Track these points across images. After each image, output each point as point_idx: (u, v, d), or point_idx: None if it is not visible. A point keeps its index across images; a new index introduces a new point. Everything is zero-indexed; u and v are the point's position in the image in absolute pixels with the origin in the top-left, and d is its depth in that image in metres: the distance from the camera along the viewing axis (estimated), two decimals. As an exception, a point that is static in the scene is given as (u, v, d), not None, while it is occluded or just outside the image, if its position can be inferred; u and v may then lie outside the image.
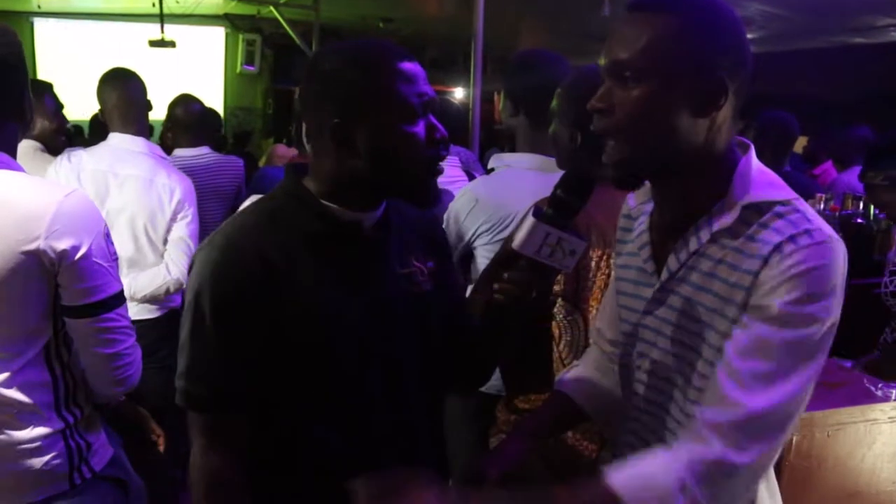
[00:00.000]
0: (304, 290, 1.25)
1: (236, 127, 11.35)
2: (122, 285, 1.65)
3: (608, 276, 1.77)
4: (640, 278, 1.33)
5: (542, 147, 2.17)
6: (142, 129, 2.89)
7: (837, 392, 2.11)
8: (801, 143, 6.52)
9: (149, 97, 2.95)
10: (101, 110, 2.87)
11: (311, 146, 1.31)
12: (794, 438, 1.95)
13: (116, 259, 1.64)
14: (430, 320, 1.40)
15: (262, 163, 5.26)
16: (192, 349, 1.24)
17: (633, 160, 1.18)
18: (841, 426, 2.01)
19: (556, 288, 1.81)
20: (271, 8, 9.06)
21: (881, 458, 2.15)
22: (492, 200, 2.19)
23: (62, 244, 1.48)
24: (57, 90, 3.20)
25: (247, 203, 1.72)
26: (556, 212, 1.23)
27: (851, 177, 4.57)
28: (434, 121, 1.27)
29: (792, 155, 4.42)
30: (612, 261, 1.81)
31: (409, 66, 1.25)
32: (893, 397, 2.23)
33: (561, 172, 1.95)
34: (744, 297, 1.12)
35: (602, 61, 1.18)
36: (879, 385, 2.28)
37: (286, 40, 10.00)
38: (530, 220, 1.21)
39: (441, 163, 1.29)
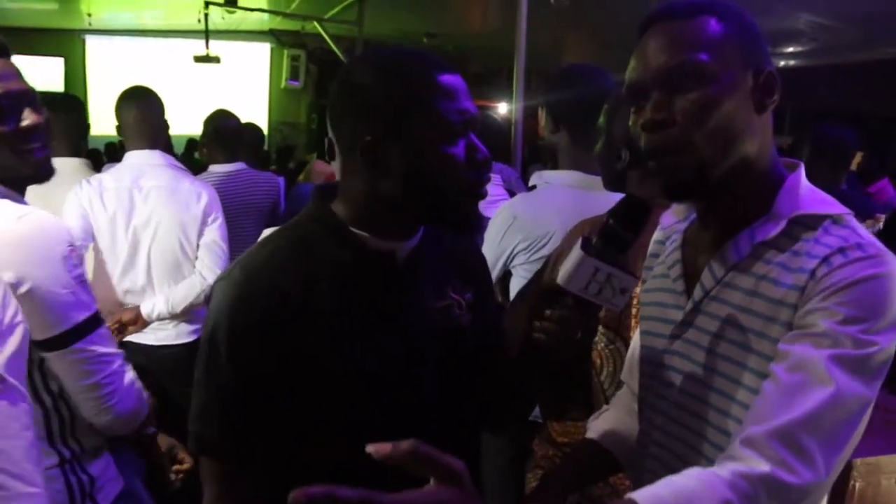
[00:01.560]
0: (328, 328, 1.14)
1: (280, 142, 11.45)
2: (93, 309, 1.52)
3: None
4: (668, 300, 1.21)
5: (584, 164, 2.09)
6: (158, 146, 2.84)
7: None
8: (854, 160, 6.33)
9: (166, 117, 2.92)
10: (117, 127, 2.84)
11: (340, 166, 1.20)
12: (858, 485, 1.80)
13: (84, 282, 1.51)
14: (466, 357, 1.28)
15: (301, 178, 5.24)
16: (206, 390, 1.14)
17: (704, 172, 1.06)
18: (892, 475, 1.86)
19: (600, 315, 1.71)
20: (315, 24, 9.11)
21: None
22: (529, 218, 2.10)
23: (6, 276, 1.35)
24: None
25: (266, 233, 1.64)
26: (605, 245, 1.10)
27: (910, 195, 4.39)
28: (475, 140, 1.15)
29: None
30: None
31: (450, 80, 1.13)
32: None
33: (604, 191, 1.89)
34: (789, 315, 1.00)
35: (640, 72, 1.08)
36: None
37: (330, 56, 10.06)
38: (577, 253, 1.09)
39: (485, 186, 1.17)
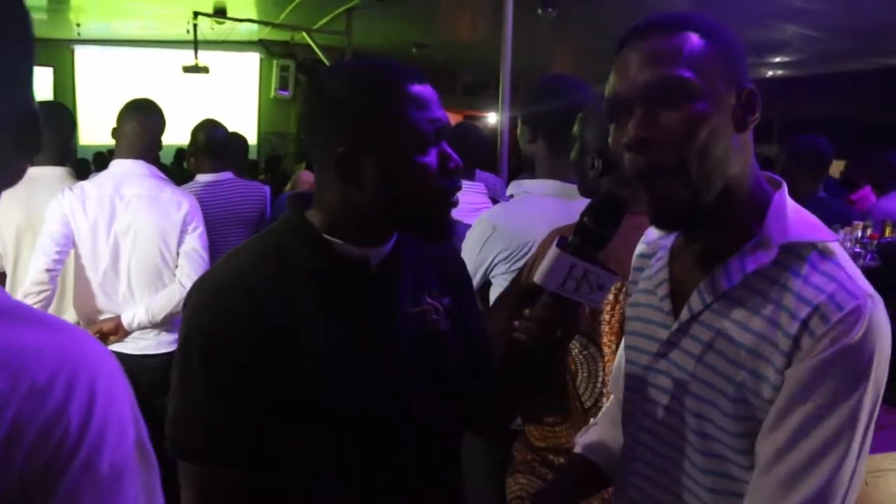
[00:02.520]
0: (304, 335, 1.15)
1: (269, 152, 11.46)
2: None
3: None
4: (655, 317, 1.21)
5: (563, 173, 2.10)
6: (145, 158, 2.87)
7: (877, 436, 1.99)
8: (838, 168, 6.38)
9: (163, 136, 2.96)
10: (114, 130, 2.87)
11: (315, 175, 1.22)
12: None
13: None
14: (446, 362, 1.29)
15: (287, 188, 5.25)
16: (181, 396, 1.15)
17: (696, 199, 1.05)
18: (881, 473, 1.89)
19: None
20: (305, 34, 9.14)
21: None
22: (509, 228, 2.12)
23: None
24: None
25: None
26: (582, 242, 1.11)
27: (890, 202, 4.42)
28: (447, 149, 1.17)
29: (829, 179, 4.29)
30: None
31: (421, 90, 1.14)
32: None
33: (582, 199, 1.91)
34: (782, 361, 1.02)
35: (621, 88, 1.07)
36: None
37: (319, 66, 10.06)
38: (553, 250, 1.10)
39: (456, 194, 1.19)
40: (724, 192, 1.06)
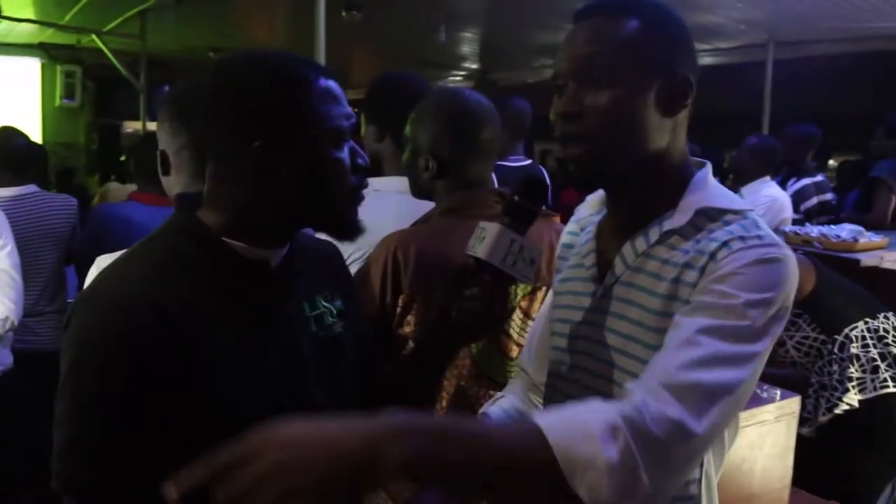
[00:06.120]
0: (208, 342, 1.08)
1: (58, 164, 10.64)
2: None
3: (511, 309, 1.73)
4: (581, 288, 1.28)
5: (412, 170, 2.11)
6: None
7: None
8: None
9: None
10: None
11: (210, 173, 1.16)
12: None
13: None
14: (344, 364, 1.28)
15: (96, 201, 4.93)
16: (73, 427, 1.04)
17: (605, 164, 1.16)
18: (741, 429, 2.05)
19: (407, 330, 1.75)
20: (94, 37, 8.55)
21: (771, 458, 2.23)
22: (365, 227, 2.09)
23: None
24: None
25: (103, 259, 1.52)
26: (514, 219, 1.18)
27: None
28: (356, 146, 1.17)
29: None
30: (517, 291, 1.78)
31: (334, 85, 1.14)
32: (778, 398, 2.33)
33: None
34: (688, 292, 1.10)
35: (560, 65, 1.16)
36: (765, 387, 2.38)
37: (110, 72, 9.44)
38: (495, 227, 1.15)
39: (363, 191, 1.20)
40: (642, 165, 1.16)
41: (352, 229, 1.21)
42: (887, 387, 2.78)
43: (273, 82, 1.10)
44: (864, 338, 2.83)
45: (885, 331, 2.84)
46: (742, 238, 1.09)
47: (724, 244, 1.09)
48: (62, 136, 11.33)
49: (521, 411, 1.42)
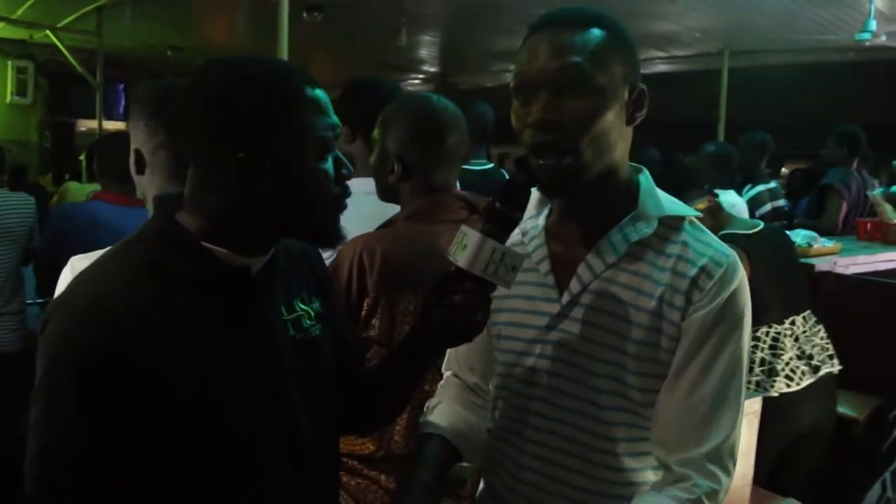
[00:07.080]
0: (186, 346, 1.07)
1: (10, 162, 10.41)
2: None
3: None
4: (538, 293, 1.30)
5: (382, 172, 2.13)
6: None
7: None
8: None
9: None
10: None
11: (192, 178, 1.14)
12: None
13: None
14: (322, 368, 1.28)
15: (55, 201, 4.85)
16: (48, 430, 1.02)
17: (584, 172, 1.19)
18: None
19: (372, 333, 1.75)
20: (47, 32, 8.39)
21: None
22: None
23: None
24: None
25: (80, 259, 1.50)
26: (495, 227, 1.17)
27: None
28: (340, 155, 1.17)
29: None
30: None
31: (321, 94, 1.13)
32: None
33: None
34: (677, 315, 1.20)
35: (529, 71, 1.18)
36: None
37: (63, 68, 9.29)
38: (477, 236, 1.14)
39: (345, 200, 1.20)
40: (605, 173, 1.21)
41: (334, 238, 1.20)
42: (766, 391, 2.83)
43: (260, 93, 1.08)
44: (762, 339, 2.88)
45: (779, 337, 2.88)
46: (713, 260, 1.21)
47: (703, 270, 1.20)
48: (13, 133, 11.10)
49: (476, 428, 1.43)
